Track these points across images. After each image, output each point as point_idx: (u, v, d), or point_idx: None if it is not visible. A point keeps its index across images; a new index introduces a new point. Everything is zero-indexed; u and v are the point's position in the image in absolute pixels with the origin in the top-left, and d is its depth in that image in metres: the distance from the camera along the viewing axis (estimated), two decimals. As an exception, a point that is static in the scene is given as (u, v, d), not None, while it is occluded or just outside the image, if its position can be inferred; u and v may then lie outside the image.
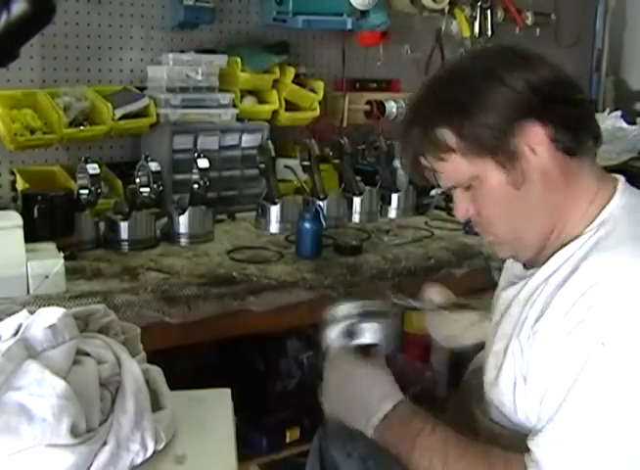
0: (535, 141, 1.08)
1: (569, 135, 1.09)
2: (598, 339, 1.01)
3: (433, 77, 1.18)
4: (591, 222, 1.11)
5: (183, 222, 1.93)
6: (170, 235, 1.94)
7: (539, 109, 1.07)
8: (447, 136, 1.10)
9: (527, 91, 1.07)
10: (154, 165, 1.87)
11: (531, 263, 1.19)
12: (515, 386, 1.12)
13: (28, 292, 1.49)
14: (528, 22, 3.09)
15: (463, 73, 1.13)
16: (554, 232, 1.14)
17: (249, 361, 2.17)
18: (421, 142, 1.13)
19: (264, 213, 2.09)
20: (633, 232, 1.08)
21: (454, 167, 1.12)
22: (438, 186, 1.19)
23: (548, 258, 1.13)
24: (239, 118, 2.32)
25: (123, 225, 1.85)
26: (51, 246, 1.60)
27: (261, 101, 2.41)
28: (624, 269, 1.03)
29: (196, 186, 1.94)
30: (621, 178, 1.17)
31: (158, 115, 2.17)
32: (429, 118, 1.12)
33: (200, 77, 2.23)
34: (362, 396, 1.20)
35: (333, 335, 1.23)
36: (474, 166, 1.10)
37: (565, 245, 1.12)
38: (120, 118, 2.10)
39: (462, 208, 1.16)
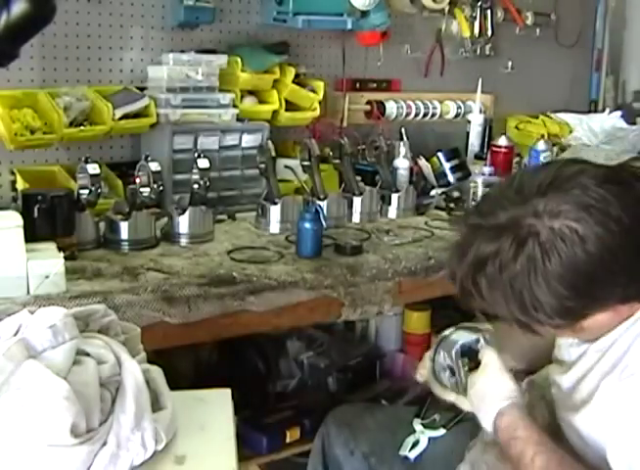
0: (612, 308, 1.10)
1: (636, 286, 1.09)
2: None
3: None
4: None
5: (183, 222, 1.93)
6: (170, 235, 1.94)
7: (626, 284, 1.07)
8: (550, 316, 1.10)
9: (629, 279, 1.07)
10: (154, 165, 1.87)
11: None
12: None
13: (28, 292, 1.49)
14: (528, 22, 3.10)
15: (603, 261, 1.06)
16: None
17: (249, 361, 2.17)
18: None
19: (264, 213, 2.09)
20: None
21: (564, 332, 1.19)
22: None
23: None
24: (239, 118, 2.32)
25: (123, 225, 1.84)
26: (51, 246, 1.60)
27: (261, 101, 2.41)
28: None
29: (196, 186, 1.94)
30: None
31: (158, 115, 2.17)
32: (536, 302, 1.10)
33: (200, 77, 2.23)
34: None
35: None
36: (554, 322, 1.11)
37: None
38: (120, 118, 2.10)
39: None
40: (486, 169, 2.14)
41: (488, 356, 1.28)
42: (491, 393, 1.24)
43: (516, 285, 1.07)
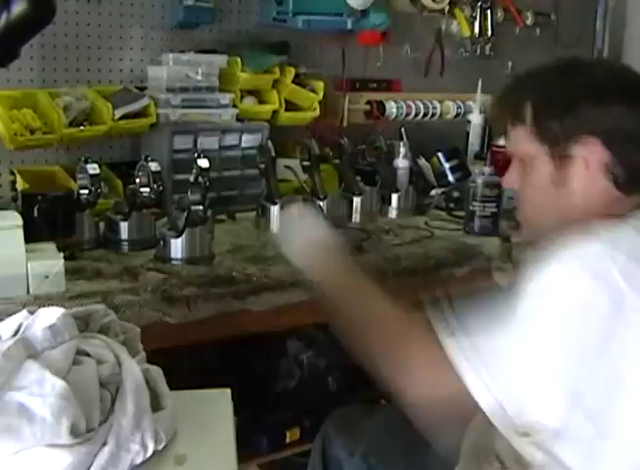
0: (591, 158, 1.15)
1: (625, 174, 1.16)
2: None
3: (556, 64, 1.26)
4: None
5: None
6: (170, 235, 1.94)
7: (613, 140, 1.15)
8: (527, 110, 1.20)
9: (614, 122, 1.15)
10: (154, 165, 1.87)
11: None
12: None
13: (28, 292, 1.49)
14: (528, 22, 3.09)
15: (579, 75, 1.21)
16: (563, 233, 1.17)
17: (249, 361, 2.17)
18: (508, 104, 1.26)
19: (264, 213, 2.09)
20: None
21: (517, 138, 1.24)
22: None
23: None
24: (239, 118, 2.32)
25: (123, 225, 1.84)
26: (51, 246, 1.60)
27: (261, 101, 2.41)
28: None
29: (196, 186, 1.94)
30: None
31: (158, 115, 2.17)
32: (525, 89, 1.24)
33: (200, 77, 2.23)
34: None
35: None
36: (532, 146, 1.21)
37: None
38: (120, 118, 2.10)
39: (511, 176, 1.28)
40: (486, 169, 2.13)
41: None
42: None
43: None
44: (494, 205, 2.13)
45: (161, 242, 1.77)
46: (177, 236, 1.76)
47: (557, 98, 1.19)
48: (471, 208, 2.15)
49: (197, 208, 1.78)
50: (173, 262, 1.75)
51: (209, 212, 1.81)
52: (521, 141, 1.23)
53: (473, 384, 1.04)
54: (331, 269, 1.31)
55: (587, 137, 1.15)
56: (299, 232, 1.39)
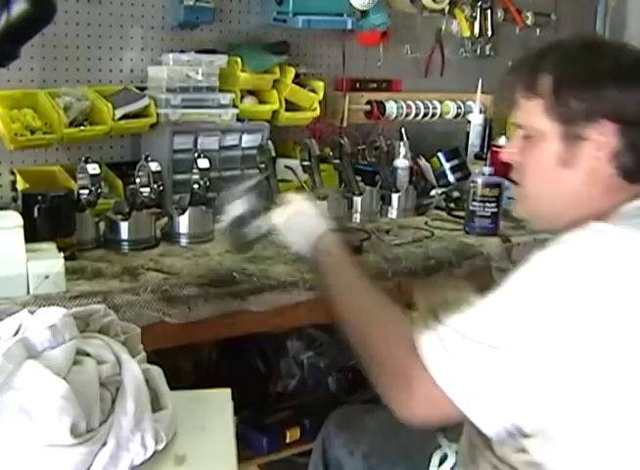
0: (603, 143, 1.12)
1: (634, 163, 1.13)
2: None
3: (580, 40, 1.23)
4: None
5: (183, 222, 1.93)
6: (170, 235, 1.94)
7: (630, 127, 1.12)
8: (546, 83, 1.15)
9: (632, 107, 1.12)
10: (154, 165, 1.87)
11: None
12: None
13: (28, 292, 1.49)
14: (528, 22, 3.10)
15: (608, 53, 1.18)
16: (573, 223, 1.15)
17: (249, 361, 2.17)
18: (525, 74, 1.20)
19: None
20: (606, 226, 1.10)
21: (530, 111, 1.18)
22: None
23: None
24: (239, 118, 2.32)
25: (123, 225, 1.84)
26: (51, 246, 1.60)
27: (261, 101, 2.41)
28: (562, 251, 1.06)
29: (196, 186, 1.94)
30: None
31: (158, 115, 2.17)
32: (547, 62, 1.18)
33: (200, 77, 2.23)
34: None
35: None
36: (543, 122, 1.16)
37: None
38: (120, 118, 2.09)
39: (514, 149, 1.23)
40: (486, 169, 2.13)
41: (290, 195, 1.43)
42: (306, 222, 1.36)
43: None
44: (494, 205, 2.13)
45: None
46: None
47: (581, 75, 1.14)
48: (471, 207, 2.15)
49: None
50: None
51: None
52: (533, 114, 1.18)
53: (455, 393, 1.03)
54: (332, 262, 1.31)
55: (605, 120, 1.12)
56: (303, 224, 1.38)
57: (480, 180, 2.14)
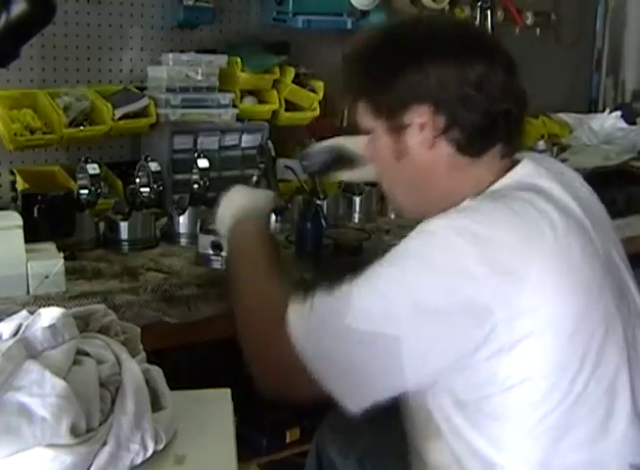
0: (425, 125, 1.15)
1: (463, 136, 1.15)
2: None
3: (377, 36, 1.26)
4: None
5: (183, 222, 1.93)
6: (170, 235, 1.94)
7: (441, 102, 1.14)
8: (355, 86, 1.24)
9: (437, 84, 1.14)
10: (154, 165, 1.87)
11: None
12: None
13: (28, 292, 1.49)
14: (528, 22, 3.10)
15: (398, 43, 1.21)
16: (433, 210, 1.17)
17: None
18: (342, 81, 1.28)
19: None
20: (481, 202, 1.13)
21: (359, 112, 1.25)
22: None
23: None
24: (239, 119, 2.32)
25: (123, 225, 1.84)
26: (51, 246, 1.60)
27: (261, 101, 2.41)
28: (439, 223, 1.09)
29: (196, 186, 1.94)
30: (526, 168, 1.20)
31: (158, 115, 2.17)
32: (355, 65, 1.25)
33: (200, 77, 2.23)
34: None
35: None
36: (371, 121, 1.22)
37: None
38: (120, 118, 2.10)
39: (366, 152, 1.29)
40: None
41: None
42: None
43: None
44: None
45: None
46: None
47: (381, 69, 1.18)
48: None
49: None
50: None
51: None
52: (361, 117, 1.24)
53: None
54: (240, 233, 1.39)
55: (417, 104, 1.15)
56: (224, 204, 1.49)
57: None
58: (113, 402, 0.97)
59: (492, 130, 1.16)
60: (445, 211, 1.13)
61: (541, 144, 2.79)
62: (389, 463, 1.47)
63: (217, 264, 1.68)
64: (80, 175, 1.84)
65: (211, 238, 1.67)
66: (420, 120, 1.15)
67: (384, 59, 1.18)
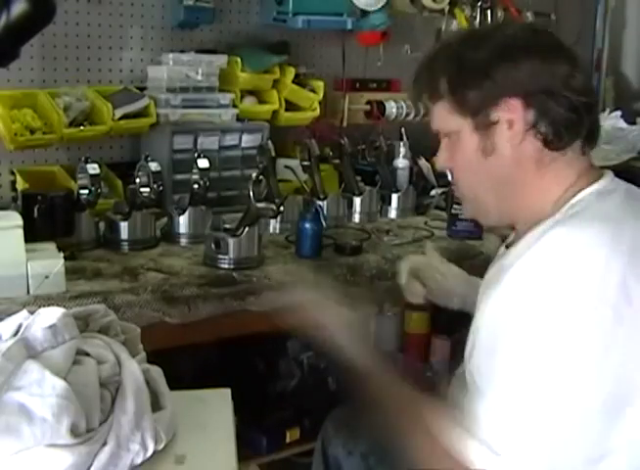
0: (514, 120, 1.14)
1: (551, 130, 1.14)
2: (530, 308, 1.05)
3: (461, 35, 1.29)
4: (562, 206, 1.15)
5: (183, 222, 1.93)
6: (170, 235, 1.94)
7: (531, 96, 1.13)
8: (442, 85, 1.19)
9: (528, 78, 1.14)
10: (154, 165, 1.87)
11: (510, 244, 1.25)
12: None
13: (28, 292, 1.49)
14: (528, 22, 3.09)
15: (485, 40, 1.19)
16: (522, 211, 1.18)
17: (249, 361, 2.17)
18: (423, 81, 1.25)
19: (264, 213, 2.08)
20: (597, 212, 1.12)
21: (439, 114, 1.22)
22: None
23: (521, 239, 1.18)
24: (239, 118, 2.32)
25: (123, 225, 1.85)
26: (51, 246, 1.60)
27: (261, 101, 2.41)
28: (576, 241, 1.06)
29: (196, 186, 1.94)
30: (610, 173, 1.21)
31: (158, 115, 2.17)
32: (437, 64, 1.22)
33: (200, 77, 2.23)
34: None
35: None
36: (455, 121, 1.19)
37: (537, 225, 1.15)
38: (120, 118, 2.10)
39: (442, 156, 1.25)
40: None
41: None
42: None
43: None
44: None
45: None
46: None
47: (468, 66, 1.17)
48: (452, 210, 2.13)
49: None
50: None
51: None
52: (443, 117, 1.21)
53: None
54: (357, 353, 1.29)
55: (507, 99, 1.14)
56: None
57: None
58: (113, 402, 0.97)
59: (577, 123, 1.16)
60: (534, 211, 1.15)
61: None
62: (394, 460, 1.48)
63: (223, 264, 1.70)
64: (80, 175, 1.84)
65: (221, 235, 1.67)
66: (509, 116, 1.15)
67: (474, 55, 1.17)
